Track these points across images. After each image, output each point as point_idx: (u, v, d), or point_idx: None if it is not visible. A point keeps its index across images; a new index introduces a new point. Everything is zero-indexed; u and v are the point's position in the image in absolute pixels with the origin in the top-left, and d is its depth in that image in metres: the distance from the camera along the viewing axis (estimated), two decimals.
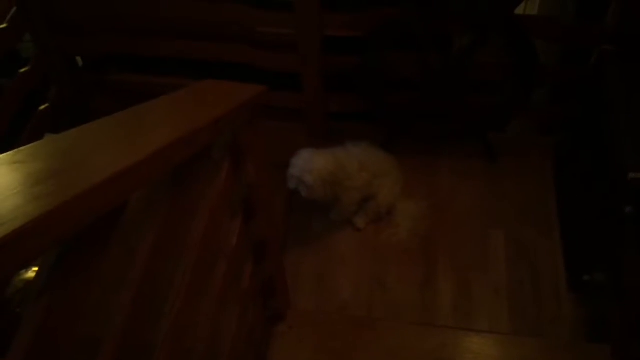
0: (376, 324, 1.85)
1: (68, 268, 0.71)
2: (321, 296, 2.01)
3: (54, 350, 0.68)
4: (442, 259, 2.07)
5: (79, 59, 2.53)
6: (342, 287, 2.03)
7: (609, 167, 1.78)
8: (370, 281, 2.03)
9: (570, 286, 1.96)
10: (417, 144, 2.39)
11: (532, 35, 2.07)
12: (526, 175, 2.29)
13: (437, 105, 2.27)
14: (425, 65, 2.12)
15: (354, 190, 2.06)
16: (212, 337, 1.30)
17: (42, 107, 2.31)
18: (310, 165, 1.94)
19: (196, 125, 0.90)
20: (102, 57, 2.46)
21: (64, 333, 0.70)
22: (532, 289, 1.98)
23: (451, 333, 1.83)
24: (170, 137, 0.83)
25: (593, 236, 1.89)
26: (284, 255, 2.07)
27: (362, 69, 2.16)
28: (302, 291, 2.01)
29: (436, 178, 2.31)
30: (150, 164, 0.76)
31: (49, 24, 2.24)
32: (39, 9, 2.18)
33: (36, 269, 1.83)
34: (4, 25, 2.09)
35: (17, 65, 2.22)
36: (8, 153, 0.68)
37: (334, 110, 2.37)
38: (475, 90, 2.24)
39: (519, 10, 2.76)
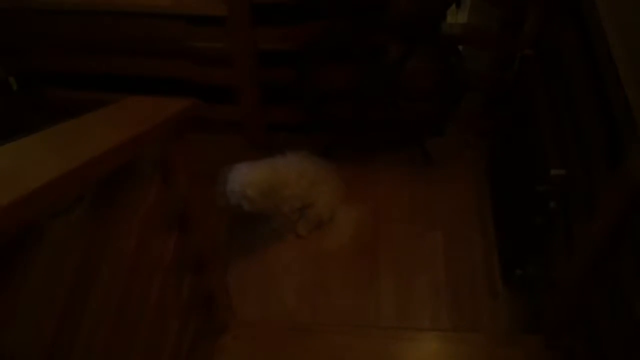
0: (320, 329, 1.89)
1: None
2: (266, 305, 2.03)
3: None
4: (384, 262, 2.13)
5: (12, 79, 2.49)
6: (287, 295, 2.05)
7: (534, 165, 1.88)
8: (314, 287, 2.07)
9: (504, 281, 2.04)
10: (356, 151, 2.44)
11: (460, 42, 2.16)
12: (461, 178, 2.38)
13: (373, 115, 2.33)
14: (359, 76, 2.18)
15: (294, 199, 2.09)
16: (151, 353, 1.31)
17: None
18: (249, 178, 1.96)
19: (115, 142, 0.92)
20: (36, 75, 2.43)
21: None
22: (469, 285, 2.05)
23: (393, 332, 1.88)
24: (88, 155, 0.84)
25: (523, 232, 1.98)
26: (227, 266, 2.09)
27: (297, 81, 2.20)
28: (246, 301, 2.02)
29: (375, 184, 2.36)
30: (64, 183, 0.77)
31: None
32: None
33: None
34: None
35: None
36: None
37: (272, 122, 2.41)
38: (408, 98, 2.31)
39: (452, 18, 2.87)
